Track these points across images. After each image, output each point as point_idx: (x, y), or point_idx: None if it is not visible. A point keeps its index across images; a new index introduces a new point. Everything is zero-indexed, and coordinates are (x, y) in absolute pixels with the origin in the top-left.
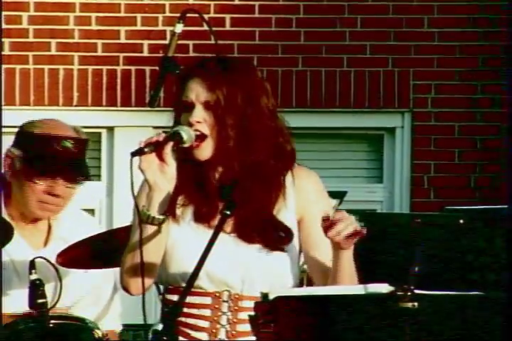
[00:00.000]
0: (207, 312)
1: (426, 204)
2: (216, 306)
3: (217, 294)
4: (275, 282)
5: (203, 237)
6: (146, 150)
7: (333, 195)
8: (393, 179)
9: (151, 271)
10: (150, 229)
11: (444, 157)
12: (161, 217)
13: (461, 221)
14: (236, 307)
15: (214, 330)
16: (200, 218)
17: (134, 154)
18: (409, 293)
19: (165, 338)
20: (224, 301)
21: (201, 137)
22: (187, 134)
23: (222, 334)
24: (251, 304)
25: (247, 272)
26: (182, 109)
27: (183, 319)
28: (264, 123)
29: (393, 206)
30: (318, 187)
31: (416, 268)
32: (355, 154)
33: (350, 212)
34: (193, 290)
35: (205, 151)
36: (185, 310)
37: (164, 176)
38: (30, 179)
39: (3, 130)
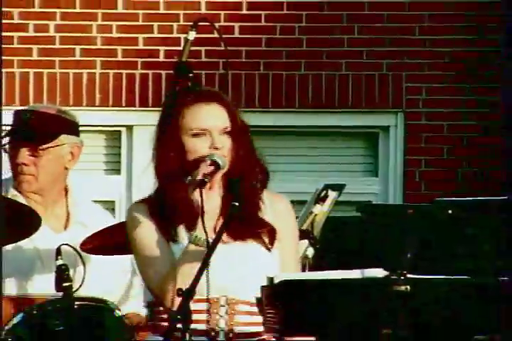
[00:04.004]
0: (204, 317)
1: (417, 196)
2: (215, 310)
3: (214, 299)
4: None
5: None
6: (206, 180)
7: (332, 187)
8: (387, 173)
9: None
10: (200, 251)
11: (434, 153)
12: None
13: (450, 211)
14: (233, 311)
15: (213, 333)
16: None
17: (200, 186)
18: (402, 278)
19: (179, 316)
20: (221, 306)
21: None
22: (221, 160)
23: (221, 336)
24: (247, 307)
25: (243, 278)
26: (186, 135)
27: (178, 325)
28: (252, 145)
29: (387, 198)
30: (289, 208)
31: (409, 255)
32: (353, 150)
33: (348, 203)
34: (197, 298)
35: (225, 168)
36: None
37: (215, 203)
38: (6, 150)
39: None
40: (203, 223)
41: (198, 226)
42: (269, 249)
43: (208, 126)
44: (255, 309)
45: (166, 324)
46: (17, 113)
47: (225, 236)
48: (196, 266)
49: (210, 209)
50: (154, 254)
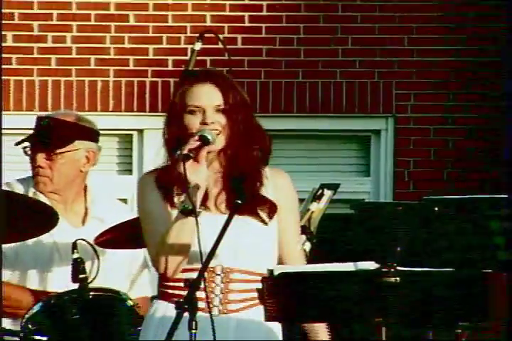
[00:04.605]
0: (203, 284)
1: (406, 195)
2: (211, 279)
3: (212, 268)
4: (261, 255)
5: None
6: (191, 155)
7: (328, 186)
8: (379, 173)
9: (187, 254)
10: (191, 220)
11: (422, 155)
12: (200, 209)
13: (436, 208)
14: (227, 280)
15: (209, 300)
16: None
17: (183, 159)
18: (392, 270)
19: (186, 306)
20: (217, 274)
21: (218, 134)
22: (211, 135)
23: (216, 302)
24: (240, 276)
25: (237, 248)
26: (184, 112)
27: (182, 292)
28: (254, 121)
29: (379, 196)
30: (289, 182)
31: (398, 248)
32: (347, 152)
33: (342, 201)
34: (191, 267)
35: (218, 145)
36: (182, 284)
37: (202, 175)
38: (28, 154)
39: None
40: (187, 194)
41: (186, 197)
42: (266, 223)
43: (201, 104)
44: (250, 277)
45: (172, 291)
46: (38, 119)
47: (223, 208)
48: (183, 234)
49: (199, 182)
50: (155, 216)
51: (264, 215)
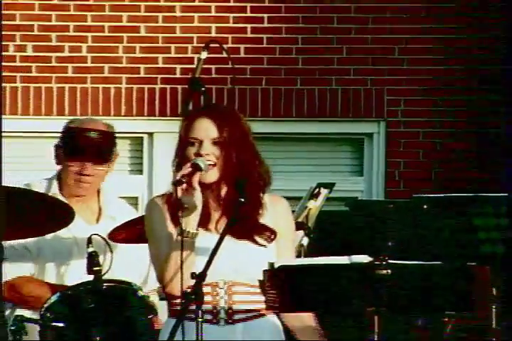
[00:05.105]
0: (208, 298)
1: (397, 193)
2: (215, 293)
3: (215, 283)
4: (261, 272)
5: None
6: (183, 180)
7: (324, 185)
8: (371, 173)
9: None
10: (189, 242)
11: (411, 156)
12: (196, 231)
13: (425, 206)
14: (230, 292)
15: (215, 311)
16: (202, 223)
17: (176, 184)
18: (384, 263)
19: (193, 296)
20: (220, 288)
21: (212, 165)
22: (203, 164)
23: (222, 314)
24: (243, 288)
25: (238, 264)
26: (186, 143)
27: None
28: (253, 156)
29: (371, 194)
30: (287, 209)
31: (389, 243)
32: (342, 154)
33: (337, 199)
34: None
35: (213, 176)
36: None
37: (194, 198)
38: (66, 163)
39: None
40: (179, 217)
41: (183, 220)
42: (265, 246)
43: (199, 136)
44: (253, 289)
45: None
46: (83, 131)
47: (221, 229)
48: (180, 253)
49: (192, 204)
50: (160, 236)
51: (263, 241)
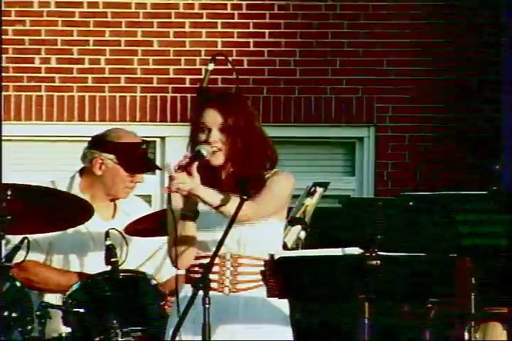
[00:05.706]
0: (216, 268)
1: (386, 192)
2: (222, 264)
3: (222, 255)
4: (263, 245)
5: (213, 216)
6: (179, 171)
7: (319, 184)
8: (362, 173)
9: (191, 250)
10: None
11: (398, 158)
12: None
13: (411, 203)
14: (236, 264)
15: (221, 280)
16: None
17: (176, 171)
18: (373, 254)
19: (201, 285)
20: (227, 260)
21: (217, 151)
22: (206, 151)
23: (227, 282)
24: (247, 261)
25: (242, 238)
26: (198, 129)
27: (198, 275)
28: (258, 140)
29: (362, 193)
30: (280, 177)
31: (379, 236)
32: (335, 156)
33: (331, 196)
34: (205, 254)
35: (219, 160)
36: (197, 268)
37: (191, 184)
38: (123, 173)
39: (82, 139)
40: (170, 202)
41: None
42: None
43: (207, 124)
44: (257, 262)
45: (192, 275)
46: (133, 145)
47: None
48: (186, 235)
49: (187, 190)
50: (172, 218)
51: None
